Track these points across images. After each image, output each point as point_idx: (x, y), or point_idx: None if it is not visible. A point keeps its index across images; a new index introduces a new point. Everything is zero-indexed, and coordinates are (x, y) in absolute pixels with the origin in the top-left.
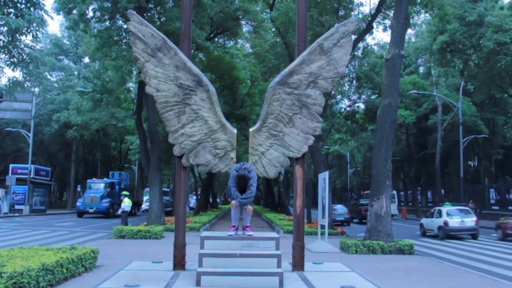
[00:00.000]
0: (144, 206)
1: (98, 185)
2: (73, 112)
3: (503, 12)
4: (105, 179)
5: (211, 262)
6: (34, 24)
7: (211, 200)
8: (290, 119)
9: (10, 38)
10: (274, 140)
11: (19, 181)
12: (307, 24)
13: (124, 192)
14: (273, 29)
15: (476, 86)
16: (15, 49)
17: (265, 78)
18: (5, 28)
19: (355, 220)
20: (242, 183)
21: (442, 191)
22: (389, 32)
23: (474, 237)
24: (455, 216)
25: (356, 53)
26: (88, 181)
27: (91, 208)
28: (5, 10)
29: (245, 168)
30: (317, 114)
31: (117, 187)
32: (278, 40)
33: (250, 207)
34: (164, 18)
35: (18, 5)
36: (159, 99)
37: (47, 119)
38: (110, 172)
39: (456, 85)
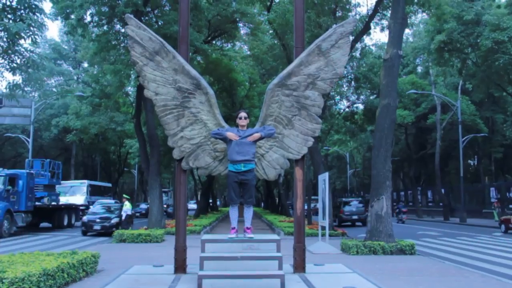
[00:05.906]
0: (90, 216)
1: None
2: (72, 117)
3: (500, 10)
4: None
5: (212, 265)
6: (33, 28)
7: (211, 202)
8: (289, 121)
9: (9, 43)
10: (274, 142)
11: None
12: (304, 26)
13: (125, 196)
14: (270, 31)
15: (474, 85)
16: (15, 54)
17: (263, 80)
18: (5, 33)
19: None
20: (243, 122)
21: (442, 190)
22: (386, 32)
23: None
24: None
25: (354, 53)
26: None
27: None
28: (3, 15)
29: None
30: (316, 115)
31: (21, 182)
32: (275, 42)
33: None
34: (161, 22)
35: (17, 11)
36: (158, 102)
37: (46, 124)
38: (27, 160)
39: (455, 84)
